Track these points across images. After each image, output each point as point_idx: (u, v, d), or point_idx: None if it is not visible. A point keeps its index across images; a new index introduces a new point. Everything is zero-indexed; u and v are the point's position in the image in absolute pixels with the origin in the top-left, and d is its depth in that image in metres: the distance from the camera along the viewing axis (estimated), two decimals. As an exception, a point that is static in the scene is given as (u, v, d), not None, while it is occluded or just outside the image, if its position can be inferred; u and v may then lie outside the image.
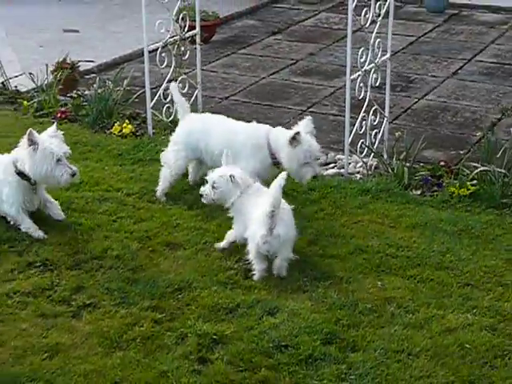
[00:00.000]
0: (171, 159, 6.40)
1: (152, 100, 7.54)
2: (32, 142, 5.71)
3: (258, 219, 5.27)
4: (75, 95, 8.48)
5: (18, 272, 5.37)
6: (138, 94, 8.29)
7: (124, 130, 7.63)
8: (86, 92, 8.46)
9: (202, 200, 5.70)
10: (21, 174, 5.83)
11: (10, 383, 4.28)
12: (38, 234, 5.78)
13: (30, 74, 8.63)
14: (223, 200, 5.62)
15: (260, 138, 6.18)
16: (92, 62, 9.47)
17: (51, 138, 5.82)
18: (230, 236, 5.65)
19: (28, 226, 5.81)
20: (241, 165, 5.87)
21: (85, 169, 6.87)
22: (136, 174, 6.84)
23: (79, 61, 8.94)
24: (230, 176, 5.53)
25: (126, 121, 7.78)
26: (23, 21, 11.75)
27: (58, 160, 5.75)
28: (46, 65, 8.59)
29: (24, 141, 5.78)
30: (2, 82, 8.77)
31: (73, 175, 5.80)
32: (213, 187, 5.60)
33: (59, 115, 7.98)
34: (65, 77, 8.49)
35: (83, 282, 5.27)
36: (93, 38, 10.93)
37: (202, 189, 5.67)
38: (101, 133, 7.72)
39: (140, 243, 5.74)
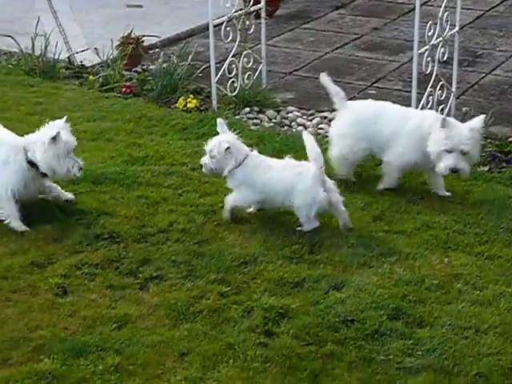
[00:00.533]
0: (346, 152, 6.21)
1: (216, 75, 7.58)
2: (55, 140, 5.55)
3: (311, 186, 5.47)
4: (140, 70, 8.56)
5: (86, 244, 5.46)
6: (203, 68, 8.35)
7: (188, 105, 7.69)
8: (151, 67, 8.53)
9: (203, 170, 5.82)
10: (30, 163, 5.65)
11: (81, 352, 4.38)
12: (19, 224, 5.60)
13: (95, 48, 8.73)
14: (221, 169, 5.72)
15: (425, 128, 5.98)
16: (157, 36, 9.50)
17: (63, 130, 5.64)
18: (229, 202, 5.73)
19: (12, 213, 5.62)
20: (400, 153, 6.03)
21: (150, 143, 6.96)
22: (201, 148, 6.79)
23: (143, 36, 9.01)
24: (222, 142, 5.65)
25: (191, 95, 7.83)
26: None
27: (68, 153, 5.65)
28: (111, 40, 8.67)
29: (44, 134, 5.61)
30: (68, 57, 8.88)
31: (80, 169, 5.72)
32: (210, 156, 5.72)
33: (124, 90, 8.07)
34: (129, 52, 8.58)
35: (150, 255, 5.35)
36: (156, 13, 10.97)
37: (202, 159, 5.79)
38: (165, 107, 7.79)
39: (205, 217, 5.79)
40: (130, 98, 7.96)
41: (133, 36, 8.84)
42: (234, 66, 7.67)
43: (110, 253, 5.35)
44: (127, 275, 5.13)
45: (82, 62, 8.89)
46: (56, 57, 8.60)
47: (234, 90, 7.70)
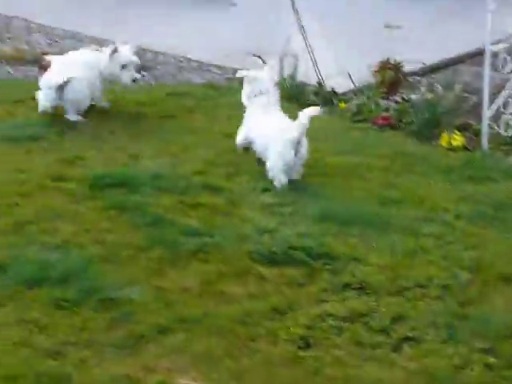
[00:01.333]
0: None
1: (489, 109, 7.49)
2: (114, 51, 8.13)
3: (285, 142, 6.76)
4: (398, 99, 8.61)
5: (332, 293, 5.51)
6: (471, 101, 8.26)
7: (453, 143, 7.63)
8: (412, 96, 8.55)
9: None
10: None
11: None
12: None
13: (349, 73, 8.87)
14: None
15: None
16: (422, 63, 9.50)
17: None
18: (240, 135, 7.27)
19: None
20: None
21: (407, 183, 6.97)
22: (467, 193, 6.80)
23: (403, 61, 9.04)
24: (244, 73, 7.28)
25: (456, 132, 7.77)
26: (339, 13, 12.05)
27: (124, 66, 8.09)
28: (368, 64, 8.78)
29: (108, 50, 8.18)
30: (318, 81, 9.07)
31: (133, 80, 8.21)
32: None
33: (380, 121, 8.13)
34: (387, 78, 8.66)
35: (404, 312, 5.30)
36: (418, 36, 11.00)
37: None
38: (426, 144, 7.78)
39: (470, 273, 5.70)
40: (387, 130, 8.02)
41: (391, 61, 8.91)
42: (510, 100, 7.54)
43: (359, 305, 5.35)
44: (378, 332, 5.10)
45: (332, 87, 9.04)
46: (305, 80, 8.82)
47: (509, 129, 7.56)
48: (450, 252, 5.97)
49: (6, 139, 7.48)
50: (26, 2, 12.41)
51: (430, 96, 8.15)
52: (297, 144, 6.77)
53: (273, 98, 7.20)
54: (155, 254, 5.83)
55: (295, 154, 6.79)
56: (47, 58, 8.67)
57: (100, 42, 10.67)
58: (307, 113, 6.77)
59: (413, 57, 9.67)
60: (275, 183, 6.78)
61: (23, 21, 11.61)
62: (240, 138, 7.25)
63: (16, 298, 5.20)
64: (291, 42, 9.31)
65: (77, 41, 10.80)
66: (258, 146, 7.06)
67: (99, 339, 4.93)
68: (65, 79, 7.87)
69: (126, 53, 8.22)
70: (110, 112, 8.32)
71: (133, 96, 8.77)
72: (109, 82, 8.31)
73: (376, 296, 5.47)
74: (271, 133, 6.90)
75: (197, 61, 10.21)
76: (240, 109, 8.17)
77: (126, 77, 8.15)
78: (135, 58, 8.26)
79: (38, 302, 5.15)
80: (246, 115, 7.27)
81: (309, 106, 8.54)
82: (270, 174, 6.82)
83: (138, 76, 8.29)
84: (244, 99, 7.30)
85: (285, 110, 8.36)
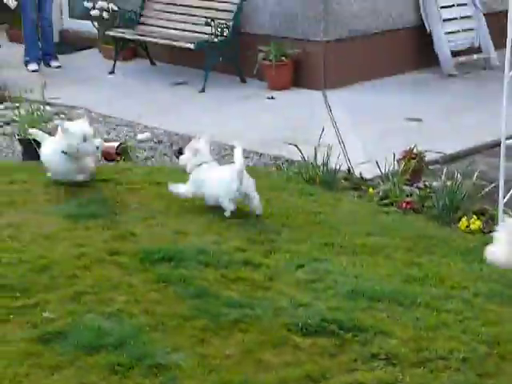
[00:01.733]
0: None
1: (504, 197, 7.49)
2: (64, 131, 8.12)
3: (231, 177, 7.43)
4: (421, 186, 8.64)
5: (361, 363, 5.47)
6: (488, 188, 8.26)
7: (471, 226, 7.63)
8: (433, 183, 8.58)
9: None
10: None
11: None
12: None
13: (376, 161, 8.92)
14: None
15: None
16: (440, 153, 9.54)
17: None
18: (182, 188, 7.80)
19: None
20: None
21: (429, 263, 6.94)
22: (484, 273, 6.76)
23: (426, 151, 9.10)
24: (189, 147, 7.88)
25: (474, 216, 7.77)
26: (366, 107, 12.14)
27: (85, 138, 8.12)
28: (394, 154, 8.84)
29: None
30: (348, 169, 9.14)
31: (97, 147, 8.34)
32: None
33: (404, 205, 8.15)
34: (411, 167, 8.70)
35: (427, 382, 5.26)
36: (436, 128, 11.05)
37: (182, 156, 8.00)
38: (446, 227, 7.78)
39: (488, 348, 5.64)
40: (410, 214, 8.04)
41: (414, 151, 8.96)
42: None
43: (386, 375, 5.31)
44: (408, 402, 5.09)
45: (361, 174, 9.09)
46: (337, 167, 8.87)
47: (522, 214, 7.55)
48: (469, 327, 5.91)
49: (68, 217, 7.57)
50: (89, 95, 12.68)
51: (449, 183, 8.16)
52: (241, 174, 7.37)
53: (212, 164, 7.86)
54: (199, 324, 5.83)
55: (241, 184, 7.39)
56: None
57: (151, 129, 10.98)
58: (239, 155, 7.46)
59: (433, 147, 9.69)
60: (225, 213, 7.54)
61: (86, 111, 11.84)
62: (187, 190, 7.80)
63: (76, 362, 5.24)
64: (324, 133, 9.37)
65: (131, 128, 11.05)
66: (207, 190, 7.69)
67: (149, 402, 4.94)
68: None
69: (81, 126, 8.20)
70: (160, 193, 8.37)
71: (179, 180, 8.83)
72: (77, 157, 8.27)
73: (401, 367, 5.42)
74: (218, 174, 7.65)
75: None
76: (276, 190, 8.27)
77: (89, 147, 8.20)
78: (90, 129, 8.28)
79: (95, 367, 5.18)
80: (191, 176, 7.80)
81: (340, 190, 8.76)
82: (222, 204, 7.55)
83: (99, 143, 8.43)
84: (188, 168, 7.84)
85: (318, 194, 8.51)
